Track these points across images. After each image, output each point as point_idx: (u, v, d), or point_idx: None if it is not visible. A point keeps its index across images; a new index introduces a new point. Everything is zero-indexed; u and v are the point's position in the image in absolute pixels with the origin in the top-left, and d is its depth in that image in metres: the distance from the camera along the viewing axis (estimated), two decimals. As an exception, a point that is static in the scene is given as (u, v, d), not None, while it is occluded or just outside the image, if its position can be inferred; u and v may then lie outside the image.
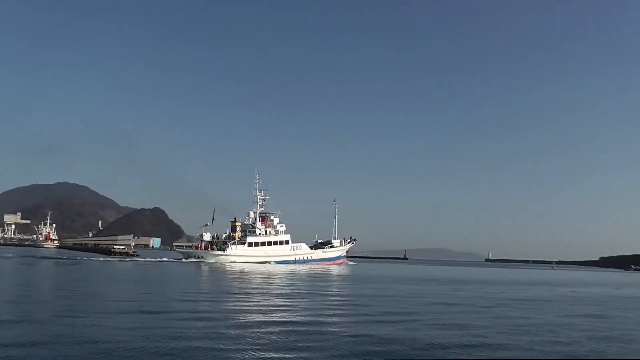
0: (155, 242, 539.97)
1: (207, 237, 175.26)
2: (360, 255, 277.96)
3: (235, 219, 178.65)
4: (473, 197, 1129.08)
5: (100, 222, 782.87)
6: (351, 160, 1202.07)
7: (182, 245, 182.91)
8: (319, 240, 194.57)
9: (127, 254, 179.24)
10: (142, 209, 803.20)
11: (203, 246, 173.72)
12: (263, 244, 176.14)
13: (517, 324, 42.29)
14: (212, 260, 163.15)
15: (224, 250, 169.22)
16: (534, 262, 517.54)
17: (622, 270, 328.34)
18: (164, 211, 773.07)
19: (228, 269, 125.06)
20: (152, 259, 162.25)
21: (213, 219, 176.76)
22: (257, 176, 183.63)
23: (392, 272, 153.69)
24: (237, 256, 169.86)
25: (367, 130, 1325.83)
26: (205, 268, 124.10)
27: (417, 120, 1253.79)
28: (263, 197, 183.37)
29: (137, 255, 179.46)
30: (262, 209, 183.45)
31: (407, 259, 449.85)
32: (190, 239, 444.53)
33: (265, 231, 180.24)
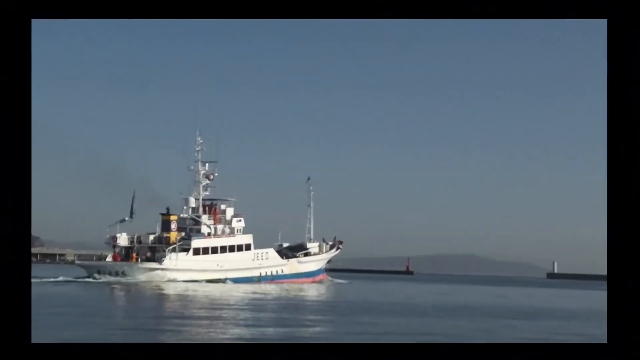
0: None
1: (123, 240, 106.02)
2: (338, 267, 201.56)
3: (168, 210, 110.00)
4: (521, 176, 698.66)
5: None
6: (331, 122, 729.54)
7: (91, 256, 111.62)
8: (285, 244, 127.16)
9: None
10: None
11: (120, 255, 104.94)
12: (215, 250, 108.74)
13: None
14: (142, 278, 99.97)
15: (158, 260, 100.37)
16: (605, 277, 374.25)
17: None
18: None
19: (165, 291, 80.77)
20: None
21: (132, 212, 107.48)
22: (199, 140, 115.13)
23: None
24: (179, 271, 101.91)
25: (357, 78, 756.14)
26: (120, 293, 79.00)
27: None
28: (209, 175, 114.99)
29: None
30: (208, 193, 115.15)
31: (411, 272, 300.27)
32: (49, 245, 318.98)
33: (215, 229, 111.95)
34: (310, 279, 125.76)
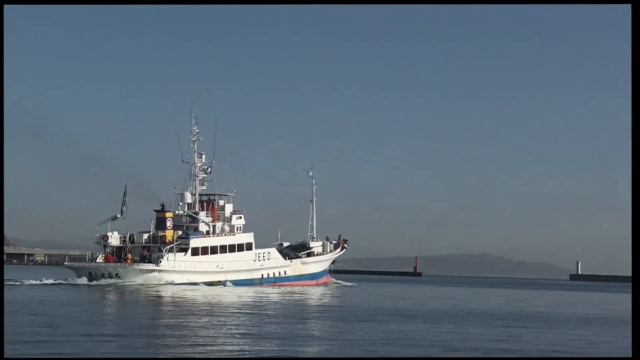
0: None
1: (114, 239, 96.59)
2: (340, 269, 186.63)
3: (163, 206, 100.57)
4: (540, 169, 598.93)
5: None
6: (332, 113, 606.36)
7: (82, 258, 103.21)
8: (285, 243, 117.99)
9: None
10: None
11: (111, 255, 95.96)
12: (214, 250, 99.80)
13: None
14: (137, 281, 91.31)
15: (154, 261, 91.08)
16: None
17: None
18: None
19: (163, 296, 71.44)
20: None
21: (124, 207, 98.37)
22: (195, 129, 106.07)
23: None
24: (177, 272, 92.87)
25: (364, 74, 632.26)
26: (112, 297, 71.25)
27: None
28: (207, 168, 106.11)
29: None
30: (205, 187, 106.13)
31: (419, 273, 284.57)
32: (16, 244, 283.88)
33: (213, 227, 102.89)
34: (314, 282, 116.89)
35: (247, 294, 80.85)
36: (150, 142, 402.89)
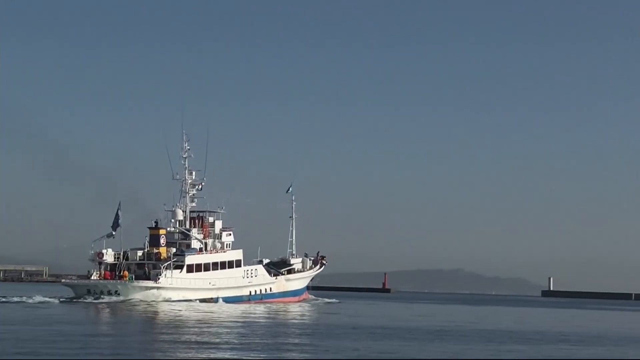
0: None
1: (109, 257, 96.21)
2: (318, 285, 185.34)
3: (156, 223, 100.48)
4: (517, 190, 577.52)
5: None
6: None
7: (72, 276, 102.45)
8: (265, 260, 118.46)
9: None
10: None
11: (104, 273, 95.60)
12: (207, 267, 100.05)
13: None
14: (137, 297, 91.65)
15: (153, 278, 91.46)
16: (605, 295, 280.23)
17: None
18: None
19: (160, 314, 71.96)
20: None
21: (117, 224, 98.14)
22: (186, 146, 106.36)
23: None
24: (174, 289, 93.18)
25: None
26: (105, 312, 73.52)
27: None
28: (197, 184, 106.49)
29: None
30: (194, 204, 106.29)
31: (388, 290, 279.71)
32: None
33: (205, 244, 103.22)
34: (297, 298, 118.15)
35: (256, 310, 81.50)
36: (139, 157, 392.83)
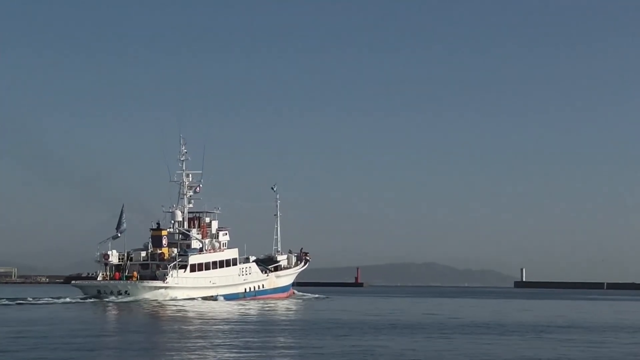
0: None
1: (114, 258, 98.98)
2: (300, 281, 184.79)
3: (159, 225, 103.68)
4: (487, 182, 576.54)
5: None
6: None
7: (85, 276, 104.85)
8: (252, 257, 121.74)
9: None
10: None
11: (112, 274, 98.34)
12: (208, 266, 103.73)
13: None
14: (147, 296, 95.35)
15: (160, 278, 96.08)
16: (577, 285, 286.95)
17: None
18: None
19: (168, 312, 74.68)
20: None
21: (121, 227, 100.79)
22: (183, 149, 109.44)
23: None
24: (180, 288, 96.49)
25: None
26: (114, 312, 75.27)
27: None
28: (194, 187, 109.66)
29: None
30: (192, 205, 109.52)
31: (361, 284, 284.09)
32: None
33: (203, 244, 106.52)
34: (285, 294, 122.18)
35: (232, 308, 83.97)
36: (136, 160, 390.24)
